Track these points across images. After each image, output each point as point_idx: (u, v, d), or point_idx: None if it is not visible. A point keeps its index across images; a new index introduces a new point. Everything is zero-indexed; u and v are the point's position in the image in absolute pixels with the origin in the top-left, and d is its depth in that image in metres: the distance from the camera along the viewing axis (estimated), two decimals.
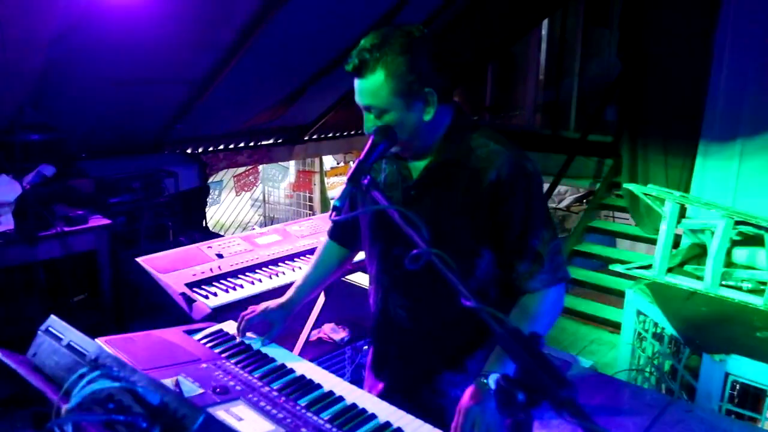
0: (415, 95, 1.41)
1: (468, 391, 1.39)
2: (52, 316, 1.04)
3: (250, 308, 1.78)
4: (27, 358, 0.99)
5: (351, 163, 9.93)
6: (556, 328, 5.66)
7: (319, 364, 3.04)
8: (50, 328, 1.02)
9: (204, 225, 5.19)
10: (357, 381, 3.10)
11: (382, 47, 1.39)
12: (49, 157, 3.74)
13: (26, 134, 3.76)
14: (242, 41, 4.43)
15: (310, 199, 9.12)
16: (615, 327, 5.13)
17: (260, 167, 8.61)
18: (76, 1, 3.29)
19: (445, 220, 1.48)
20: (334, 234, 1.84)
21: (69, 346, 0.95)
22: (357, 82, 1.44)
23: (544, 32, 7.55)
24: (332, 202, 1.29)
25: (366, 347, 3.22)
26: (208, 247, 2.35)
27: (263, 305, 1.77)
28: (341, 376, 3.17)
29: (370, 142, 1.39)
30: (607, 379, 3.76)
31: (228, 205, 9.44)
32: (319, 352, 3.11)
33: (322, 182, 8.89)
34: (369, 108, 1.44)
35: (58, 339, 0.98)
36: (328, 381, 1.57)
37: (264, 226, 9.40)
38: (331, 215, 1.29)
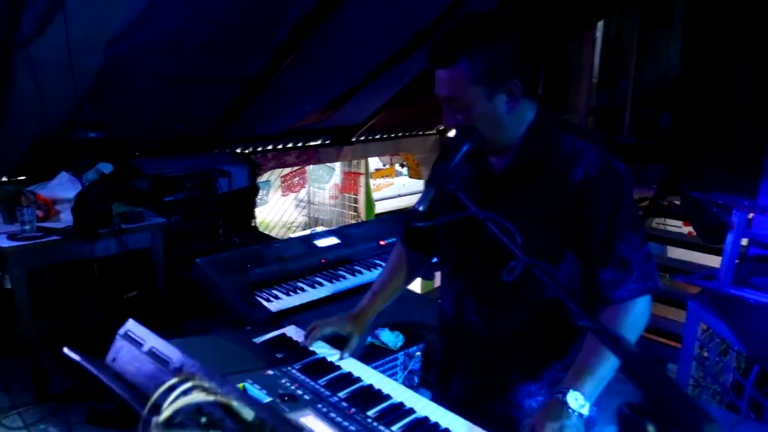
0: (499, 85, 1.33)
1: (543, 408, 1.31)
2: (131, 320, 1.01)
3: (321, 321, 1.71)
4: (107, 363, 0.95)
5: (397, 165, 9.91)
6: None
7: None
8: (129, 333, 0.98)
9: (253, 225, 5.20)
10: (408, 388, 3.04)
11: (463, 34, 1.30)
12: (106, 155, 3.78)
13: (86, 132, 3.81)
14: (295, 42, 4.42)
15: (355, 201, 9.11)
16: (669, 338, 4.95)
17: (307, 168, 8.64)
18: (136, 1, 3.32)
19: (526, 221, 1.38)
20: (410, 239, 1.76)
21: (151, 353, 0.91)
22: (437, 73, 1.35)
23: (598, 34, 7.36)
24: (414, 206, 1.22)
25: (418, 353, 3.16)
26: (267, 248, 2.31)
27: (336, 318, 1.71)
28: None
29: (453, 142, 1.32)
30: None
31: (273, 205, 9.49)
32: (372, 357, 3.06)
33: (367, 184, 8.87)
34: (449, 99, 1.36)
35: (139, 345, 0.94)
36: (397, 391, 1.51)
37: (307, 228, 9.45)
38: (413, 221, 1.22)
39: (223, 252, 2.25)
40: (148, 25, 3.55)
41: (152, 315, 3.72)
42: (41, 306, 3.75)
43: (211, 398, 0.73)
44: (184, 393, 0.75)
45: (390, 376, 3.11)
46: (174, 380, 0.77)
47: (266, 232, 8.40)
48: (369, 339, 3.17)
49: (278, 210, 9.66)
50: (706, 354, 3.85)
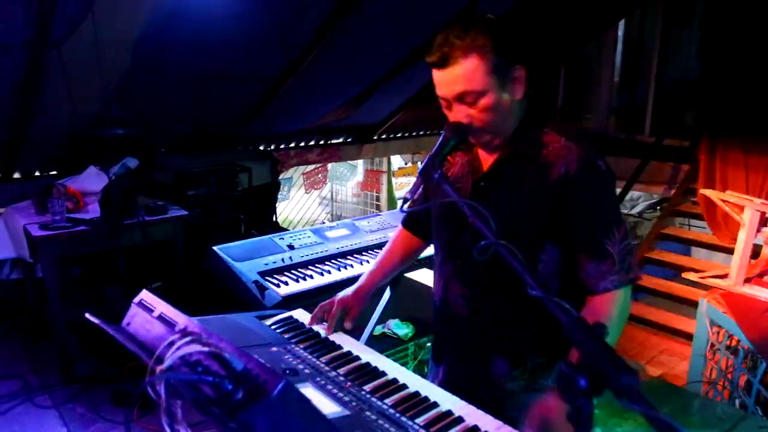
0: (508, 73, 1.42)
1: (545, 400, 1.27)
2: (144, 290, 1.13)
3: (327, 303, 1.82)
4: (122, 326, 1.07)
5: (419, 163, 9.99)
6: (625, 336, 5.50)
7: None
8: (142, 301, 1.10)
9: (273, 220, 5.34)
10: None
11: (467, 32, 1.38)
12: (132, 151, 3.95)
13: (113, 129, 4.00)
14: (316, 40, 4.54)
15: (377, 199, 9.20)
16: (686, 338, 4.96)
17: (329, 165, 8.76)
18: (162, 2, 3.47)
19: (510, 212, 1.48)
20: (407, 224, 1.89)
21: (160, 318, 1.03)
22: (445, 73, 1.41)
23: (620, 33, 7.37)
24: (404, 193, 1.33)
25: (429, 344, 3.26)
26: (280, 238, 2.43)
27: (339, 295, 1.82)
28: None
29: (442, 137, 1.42)
30: (675, 390, 3.65)
31: (296, 202, 9.63)
32: (383, 347, 3.16)
33: (389, 182, 8.95)
34: (463, 95, 1.41)
35: (150, 311, 1.06)
36: (393, 369, 1.62)
37: None
38: (402, 207, 1.33)
39: (237, 241, 2.37)
40: (174, 26, 3.69)
41: (174, 304, 3.87)
42: (70, 294, 3.93)
43: (205, 349, 0.84)
44: (184, 345, 0.87)
45: (400, 366, 3.22)
46: (176, 336, 0.89)
47: (289, 228, 8.55)
48: (380, 329, 3.29)
49: (301, 207, 9.81)
50: (717, 352, 3.88)
